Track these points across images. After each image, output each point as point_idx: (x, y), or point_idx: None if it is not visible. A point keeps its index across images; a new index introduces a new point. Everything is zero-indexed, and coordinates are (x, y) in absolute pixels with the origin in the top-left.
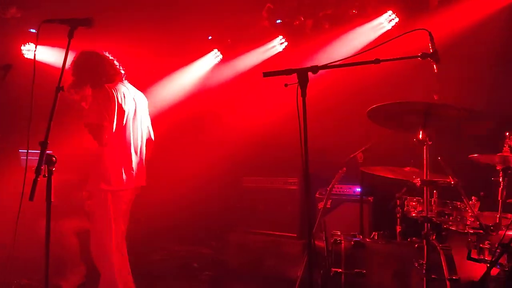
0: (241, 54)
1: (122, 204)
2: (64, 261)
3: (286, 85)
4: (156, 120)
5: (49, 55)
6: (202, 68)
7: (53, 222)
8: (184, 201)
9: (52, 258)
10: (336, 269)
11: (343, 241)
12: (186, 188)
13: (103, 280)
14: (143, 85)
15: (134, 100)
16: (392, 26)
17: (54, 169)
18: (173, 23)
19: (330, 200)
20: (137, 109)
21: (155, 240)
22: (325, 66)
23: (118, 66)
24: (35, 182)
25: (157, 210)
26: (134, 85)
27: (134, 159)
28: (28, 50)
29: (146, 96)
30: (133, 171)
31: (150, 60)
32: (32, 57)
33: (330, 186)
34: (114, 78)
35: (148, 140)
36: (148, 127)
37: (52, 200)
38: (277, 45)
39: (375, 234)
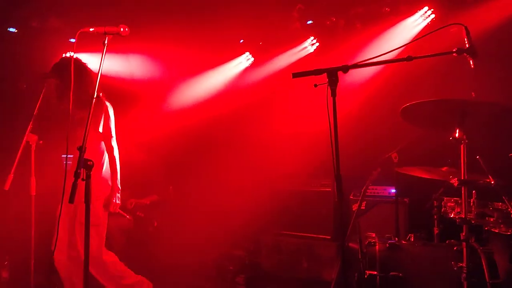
0: (272, 56)
1: None
2: None
3: (315, 85)
4: (188, 122)
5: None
6: (233, 70)
7: None
8: (219, 204)
9: None
10: (371, 272)
11: (377, 243)
12: (220, 191)
13: None
14: (177, 87)
15: None
16: (428, 23)
17: (91, 172)
18: (205, 27)
19: (365, 202)
20: None
21: (191, 243)
22: (355, 65)
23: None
24: (74, 185)
25: (193, 213)
26: (168, 88)
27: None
28: None
29: (178, 98)
30: None
31: (183, 64)
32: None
33: (364, 187)
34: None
35: None
36: None
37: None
38: (309, 46)
39: (411, 236)
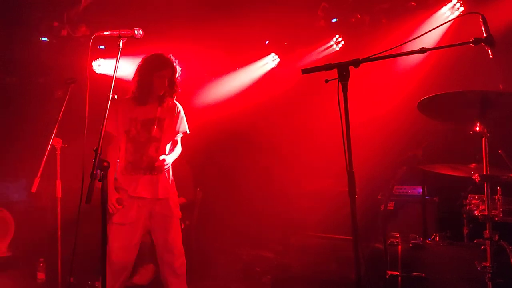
0: (298, 56)
1: None
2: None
3: (326, 80)
4: (215, 123)
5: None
6: (260, 71)
7: None
8: (246, 205)
9: None
10: (393, 272)
11: (400, 243)
12: (247, 192)
13: None
14: (203, 87)
15: None
16: (457, 16)
17: (106, 173)
18: (231, 29)
19: (393, 202)
20: None
21: (218, 244)
22: (367, 59)
23: None
24: (90, 186)
25: (220, 215)
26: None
27: None
28: (99, 66)
29: (204, 99)
30: None
31: (210, 64)
32: (102, 72)
33: (389, 186)
34: None
35: None
36: None
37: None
38: (334, 44)
39: (435, 236)
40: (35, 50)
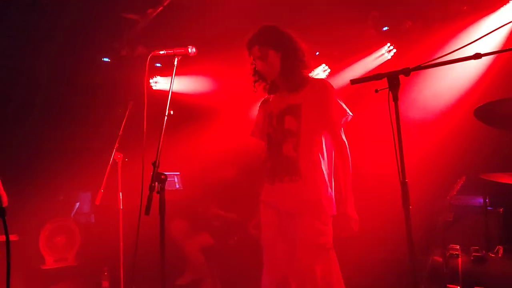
0: (349, 66)
1: None
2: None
3: (376, 90)
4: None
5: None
6: None
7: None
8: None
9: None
10: (453, 286)
11: (460, 256)
12: None
13: None
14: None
15: None
16: None
17: (164, 185)
18: None
19: (452, 213)
20: None
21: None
22: (418, 67)
23: None
24: (149, 198)
25: None
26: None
27: None
28: (155, 83)
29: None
30: None
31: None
32: (159, 88)
33: (448, 196)
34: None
35: None
36: None
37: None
38: (385, 52)
39: (499, 248)
40: (97, 70)
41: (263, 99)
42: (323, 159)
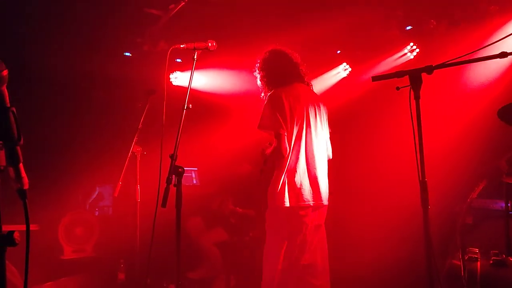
0: (370, 65)
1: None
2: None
3: (397, 88)
4: None
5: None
6: (332, 80)
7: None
8: None
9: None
10: None
11: (479, 259)
12: None
13: None
14: None
15: (309, 107)
16: None
17: (181, 178)
18: (302, 39)
19: (472, 216)
20: (311, 118)
21: None
22: (441, 65)
23: (300, 67)
24: (166, 190)
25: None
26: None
27: (305, 175)
28: (175, 78)
29: None
30: (302, 188)
31: None
32: (178, 84)
33: (468, 200)
34: (291, 80)
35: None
36: (326, 141)
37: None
38: (408, 52)
39: None
40: (119, 64)
41: None
42: None
